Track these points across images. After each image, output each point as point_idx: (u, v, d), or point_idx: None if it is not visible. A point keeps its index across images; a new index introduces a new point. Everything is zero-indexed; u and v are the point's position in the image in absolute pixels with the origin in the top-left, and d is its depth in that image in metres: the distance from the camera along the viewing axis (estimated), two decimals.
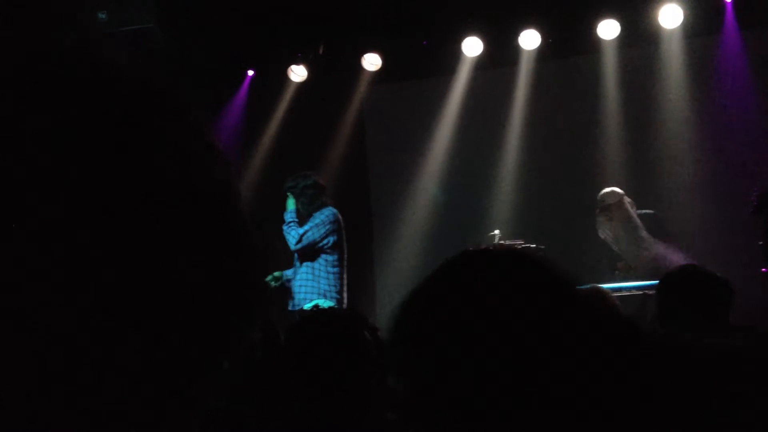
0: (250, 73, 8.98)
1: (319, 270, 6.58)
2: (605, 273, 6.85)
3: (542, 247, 6.69)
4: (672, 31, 7.80)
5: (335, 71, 8.66)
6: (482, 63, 8.39)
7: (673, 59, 7.93)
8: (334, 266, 6.59)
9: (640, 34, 7.90)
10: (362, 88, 8.83)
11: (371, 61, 8.62)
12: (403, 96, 8.85)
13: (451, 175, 8.68)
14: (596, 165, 8.12)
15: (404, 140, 8.86)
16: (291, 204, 6.63)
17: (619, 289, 6.04)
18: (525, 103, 8.35)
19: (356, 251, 8.81)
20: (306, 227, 6.54)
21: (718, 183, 7.69)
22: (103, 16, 6.60)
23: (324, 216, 6.57)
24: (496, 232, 6.83)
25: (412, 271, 8.51)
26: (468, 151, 8.66)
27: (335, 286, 6.57)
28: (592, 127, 8.16)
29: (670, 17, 7.68)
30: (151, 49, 7.20)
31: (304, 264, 6.58)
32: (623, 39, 7.95)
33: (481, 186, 8.49)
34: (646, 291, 6.35)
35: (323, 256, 6.57)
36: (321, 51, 8.60)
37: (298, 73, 8.78)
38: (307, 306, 6.39)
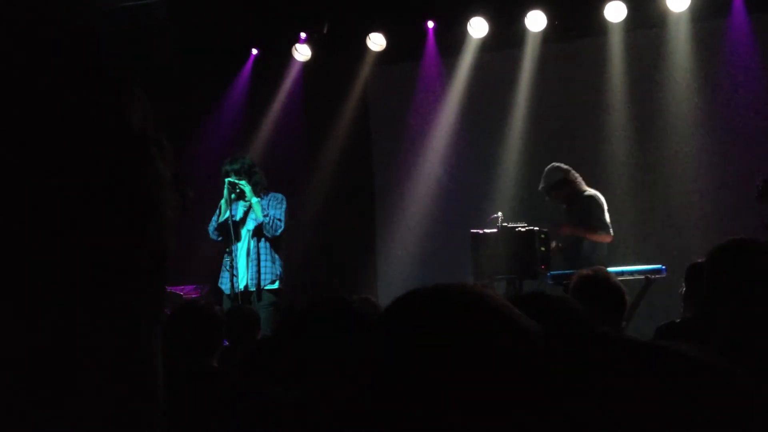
0: (254, 51, 8.94)
1: (275, 253, 6.65)
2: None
3: (545, 229, 6.68)
4: (679, 15, 7.74)
5: (340, 51, 8.62)
6: (488, 44, 8.34)
7: (681, 43, 7.87)
8: (281, 248, 6.69)
9: (647, 17, 7.85)
10: (366, 68, 8.79)
11: (376, 41, 8.57)
12: (407, 77, 8.82)
13: (455, 156, 8.65)
14: (601, 148, 8.09)
15: (408, 121, 8.84)
16: (248, 189, 6.57)
17: (622, 273, 6.03)
18: (530, 85, 8.31)
19: (359, 232, 8.82)
20: (277, 214, 6.55)
21: (725, 168, 7.66)
22: None
23: (281, 197, 6.65)
24: (499, 214, 6.81)
25: (415, 253, 8.51)
26: (472, 133, 8.63)
27: (282, 268, 6.65)
28: (597, 109, 8.12)
29: (678, 0, 7.63)
30: (155, 25, 7.16)
31: (262, 244, 6.60)
32: (630, 22, 7.89)
33: (484, 168, 8.47)
34: (648, 275, 6.34)
35: (280, 239, 6.65)
36: (325, 30, 8.55)
37: (302, 52, 8.75)
38: (270, 287, 6.51)
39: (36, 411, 0.51)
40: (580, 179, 6.76)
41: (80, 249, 0.52)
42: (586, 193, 6.68)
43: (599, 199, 6.66)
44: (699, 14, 7.70)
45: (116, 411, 0.54)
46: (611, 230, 6.64)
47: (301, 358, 2.02)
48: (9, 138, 0.52)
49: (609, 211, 6.80)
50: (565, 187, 6.70)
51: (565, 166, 6.77)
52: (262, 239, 6.60)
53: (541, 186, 6.84)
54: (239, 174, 6.55)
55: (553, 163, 6.82)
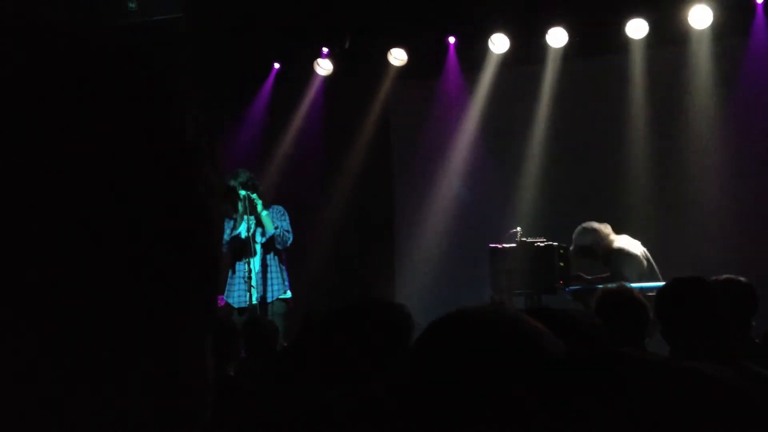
0: (276, 66, 9.01)
1: (283, 263, 6.74)
2: None
3: (564, 245, 6.67)
4: (701, 32, 7.73)
5: (361, 66, 8.67)
6: (509, 60, 8.37)
7: (702, 60, 7.86)
8: (286, 260, 6.80)
9: (668, 34, 7.84)
10: (387, 83, 8.83)
11: (397, 56, 8.62)
12: (428, 91, 8.85)
13: (475, 171, 8.66)
14: (620, 164, 8.08)
15: (428, 136, 8.86)
16: (260, 202, 6.61)
17: (642, 289, 6.00)
18: (551, 101, 8.32)
19: (378, 246, 8.84)
20: (285, 225, 6.64)
21: (745, 185, 7.62)
22: (133, 5, 6.67)
23: (282, 209, 6.70)
24: (518, 229, 6.82)
25: (434, 266, 8.52)
26: (492, 148, 8.64)
27: (289, 279, 6.77)
28: (618, 125, 8.11)
29: (700, 18, 7.61)
30: (177, 39, 7.25)
31: (271, 257, 6.67)
32: (652, 39, 7.89)
33: (504, 182, 8.48)
34: None
35: (283, 250, 6.74)
36: (347, 45, 8.61)
37: (323, 66, 8.80)
38: (283, 296, 6.58)
39: (71, 418, 0.52)
40: (608, 234, 6.48)
41: (130, 256, 0.54)
42: (615, 248, 6.41)
43: (626, 255, 6.37)
44: (720, 31, 7.69)
45: (159, 422, 0.55)
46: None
47: (332, 363, 2.03)
48: (64, 144, 0.54)
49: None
50: (593, 251, 6.45)
51: (594, 227, 6.48)
52: (272, 252, 6.65)
53: (571, 248, 6.58)
54: (246, 188, 6.59)
55: (582, 225, 6.54)
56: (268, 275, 6.61)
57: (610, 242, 6.46)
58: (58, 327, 0.49)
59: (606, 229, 6.50)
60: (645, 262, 6.44)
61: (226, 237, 6.58)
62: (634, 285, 4.98)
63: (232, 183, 6.60)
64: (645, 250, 6.55)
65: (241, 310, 6.56)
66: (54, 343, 0.49)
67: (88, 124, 0.52)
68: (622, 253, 6.38)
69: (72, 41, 0.54)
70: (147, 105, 0.55)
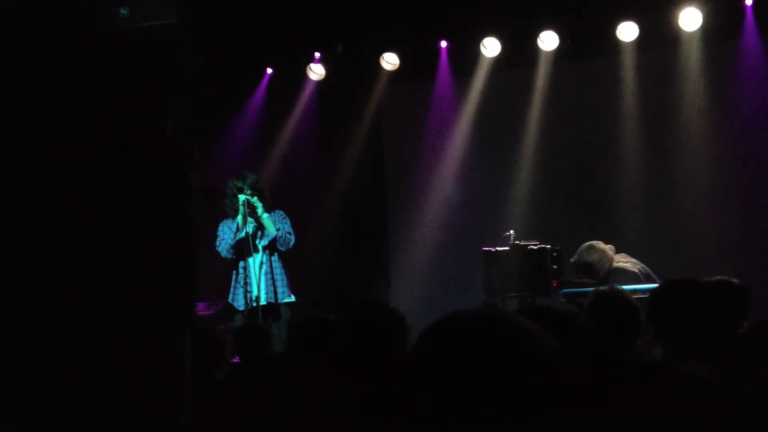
0: (269, 71, 9.02)
1: (284, 266, 6.75)
2: None
3: (557, 248, 6.69)
4: (691, 35, 7.76)
5: (353, 70, 8.69)
6: (500, 63, 8.39)
7: (692, 62, 7.89)
8: (287, 262, 6.84)
9: (659, 36, 7.87)
10: (380, 87, 8.85)
11: (389, 61, 8.63)
12: (420, 95, 8.87)
13: (468, 174, 8.68)
14: (612, 167, 8.10)
15: (421, 140, 8.88)
16: (260, 205, 6.63)
17: (635, 291, 6.02)
18: (542, 104, 8.34)
19: (372, 249, 8.85)
20: (287, 228, 6.68)
21: (736, 187, 7.66)
22: (125, 11, 6.66)
23: (283, 213, 6.78)
24: (511, 232, 6.83)
25: (427, 269, 8.53)
26: (484, 151, 8.66)
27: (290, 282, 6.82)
28: (609, 128, 8.14)
29: (690, 20, 7.65)
30: (171, 45, 7.24)
31: (275, 259, 6.70)
32: (642, 41, 7.92)
33: (497, 186, 8.50)
34: None
35: (284, 252, 6.76)
36: (339, 50, 8.62)
37: (316, 71, 8.81)
38: (287, 300, 6.59)
39: (53, 416, 0.53)
40: (612, 257, 6.54)
41: (109, 255, 0.54)
42: (613, 268, 6.48)
43: (622, 273, 6.43)
44: (711, 34, 7.72)
45: (139, 417, 0.56)
46: None
47: (333, 364, 2.05)
48: (46, 141, 0.54)
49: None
50: (594, 270, 6.49)
51: (601, 247, 6.53)
52: (275, 254, 6.67)
53: (572, 260, 6.62)
54: (254, 189, 6.64)
55: (590, 243, 6.58)
56: (274, 278, 6.64)
57: (612, 263, 6.52)
58: (54, 326, 0.49)
59: (611, 251, 6.57)
60: (644, 280, 6.48)
61: (230, 241, 6.60)
62: (626, 287, 5.01)
63: (239, 185, 6.63)
64: (644, 266, 6.59)
65: (245, 312, 6.59)
66: (48, 341, 0.49)
67: (83, 125, 0.52)
68: (619, 271, 6.46)
69: (65, 45, 0.55)
70: (132, 108, 0.56)
